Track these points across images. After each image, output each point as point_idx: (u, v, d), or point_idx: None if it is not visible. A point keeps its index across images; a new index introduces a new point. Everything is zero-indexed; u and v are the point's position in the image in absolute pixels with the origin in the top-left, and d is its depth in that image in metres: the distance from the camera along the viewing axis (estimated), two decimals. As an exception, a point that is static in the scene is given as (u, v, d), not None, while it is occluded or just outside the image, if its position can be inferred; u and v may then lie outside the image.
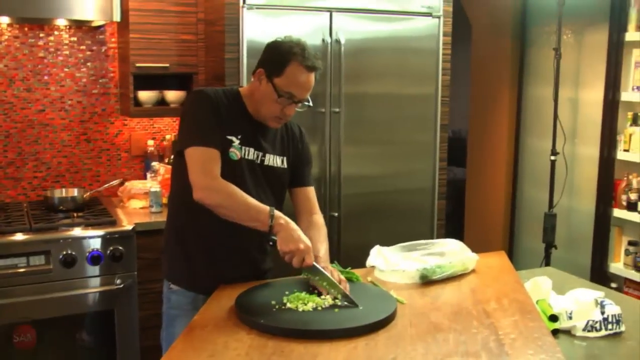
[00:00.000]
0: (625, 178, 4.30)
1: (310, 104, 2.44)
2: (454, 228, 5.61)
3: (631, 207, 4.24)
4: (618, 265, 4.40)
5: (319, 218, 2.60)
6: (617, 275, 4.39)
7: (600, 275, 4.37)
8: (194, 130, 2.36)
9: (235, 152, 2.39)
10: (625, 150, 4.26)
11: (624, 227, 4.39)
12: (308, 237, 2.44)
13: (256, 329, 1.95)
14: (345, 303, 2.14)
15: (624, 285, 4.35)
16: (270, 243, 2.27)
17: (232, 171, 2.37)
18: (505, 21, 5.24)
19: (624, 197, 4.29)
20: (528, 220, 5.18)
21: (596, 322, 2.19)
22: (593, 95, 4.50)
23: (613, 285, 4.25)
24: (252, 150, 2.44)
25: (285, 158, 2.55)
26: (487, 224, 5.55)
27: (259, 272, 2.47)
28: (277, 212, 2.25)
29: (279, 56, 2.36)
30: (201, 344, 1.86)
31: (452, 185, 6.54)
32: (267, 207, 2.26)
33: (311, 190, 2.64)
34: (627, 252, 4.32)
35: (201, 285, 2.42)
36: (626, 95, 4.25)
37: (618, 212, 4.34)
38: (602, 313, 2.21)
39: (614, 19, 4.28)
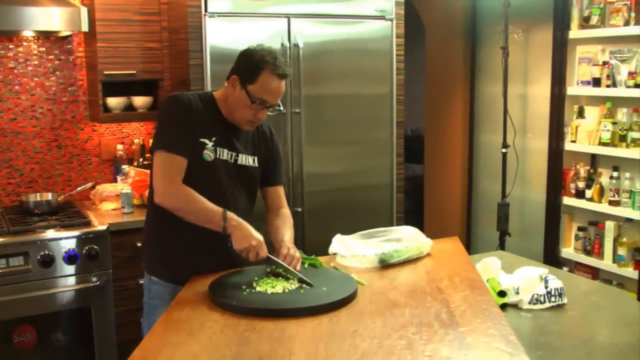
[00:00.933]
0: (573, 167, 4.54)
1: (282, 108, 2.63)
2: (414, 222, 5.79)
3: (579, 194, 4.49)
4: (569, 250, 4.65)
5: (285, 210, 2.77)
6: (569, 260, 4.64)
7: (552, 259, 4.59)
8: (163, 136, 2.49)
9: (209, 154, 2.52)
10: (572, 142, 4.50)
11: (574, 213, 4.63)
12: (274, 225, 2.66)
13: (229, 310, 2.11)
14: (304, 285, 2.32)
15: (575, 268, 4.58)
16: (229, 244, 2.42)
17: (207, 171, 2.52)
18: (457, 23, 5.45)
19: (572, 185, 4.54)
20: (483, 211, 5.40)
21: (540, 295, 2.39)
22: (541, 91, 4.73)
23: (565, 269, 4.48)
24: (226, 151, 2.57)
25: (256, 157, 2.68)
26: (446, 217, 5.75)
27: (234, 263, 2.57)
28: (229, 214, 2.40)
29: (252, 65, 2.48)
30: (179, 325, 2.02)
31: (412, 182, 6.73)
32: (220, 210, 2.40)
33: (281, 189, 2.81)
34: (577, 237, 4.56)
35: (180, 277, 2.50)
36: (571, 90, 4.49)
37: (567, 200, 4.59)
38: (546, 287, 2.41)
39: (558, 18, 4.52)
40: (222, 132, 2.57)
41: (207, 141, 2.52)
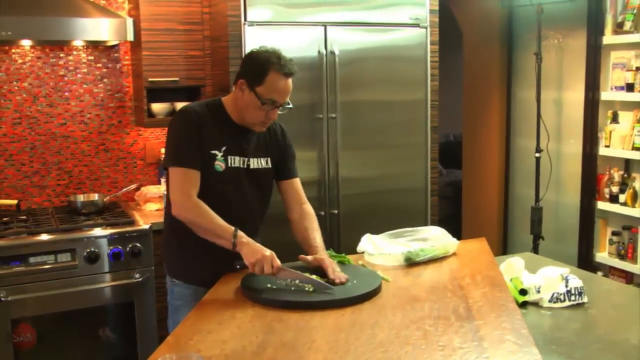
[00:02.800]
0: (607, 172, 4.56)
1: (291, 105, 2.63)
2: (453, 227, 5.85)
3: (613, 199, 4.51)
4: (603, 255, 4.66)
5: (308, 207, 2.81)
6: (603, 264, 4.66)
7: (587, 264, 4.62)
8: (175, 151, 2.58)
9: (220, 164, 2.59)
10: (606, 146, 4.52)
11: (608, 218, 4.64)
12: (302, 227, 2.72)
13: (259, 302, 2.25)
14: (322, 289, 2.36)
15: (609, 273, 4.59)
16: (238, 267, 2.52)
17: (220, 181, 2.60)
18: (494, 28, 5.49)
19: (606, 190, 4.56)
20: (519, 215, 5.43)
21: (560, 294, 2.47)
22: (575, 96, 4.77)
23: (599, 273, 4.51)
24: (237, 158, 2.64)
25: (269, 158, 2.74)
26: (483, 221, 5.79)
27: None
28: (239, 232, 2.45)
29: (258, 67, 2.53)
30: (211, 315, 2.16)
31: (453, 187, 6.78)
32: (231, 228, 2.45)
33: (297, 181, 2.83)
34: (611, 242, 4.58)
35: (200, 279, 2.61)
36: (605, 95, 4.52)
37: (602, 205, 4.61)
38: (567, 286, 2.48)
39: (592, 24, 4.56)
40: (231, 140, 2.62)
41: (217, 152, 2.59)
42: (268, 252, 2.42)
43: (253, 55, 2.61)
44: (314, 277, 2.40)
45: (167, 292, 2.80)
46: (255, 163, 2.69)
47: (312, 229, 2.72)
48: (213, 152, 2.59)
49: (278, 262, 2.42)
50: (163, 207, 3.78)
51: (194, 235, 2.54)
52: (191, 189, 2.52)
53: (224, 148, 2.60)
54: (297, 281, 2.40)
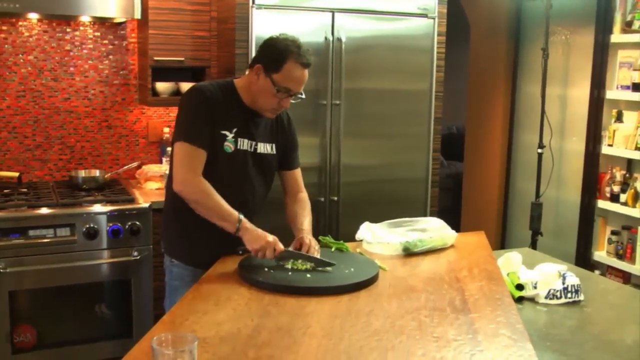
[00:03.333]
0: (609, 171, 4.56)
1: (304, 96, 2.64)
2: (452, 219, 5.87)
3: (614, 198, 4.51)
4: (601, 254, 4.66)
5: (303, 195, 2.84)
6: (601, 263, 4.66)
7: (584, 262, 4.62)
8: (185, 127, 2.56)
9: (230, 145, 2.60)
10: (609, 145, 4.52)
11: (608, 217, 4.65)
12: (293, 211, 2.76)
13: (255, 285, 2.26)
14: (327, 268, 2.42)
15: (607, 272, 4.60)
16: (240, 252, 2.54)
17: (228, 162, 2.60)
18: (502, 22, 5.48)
19: (607, 189, 4.56)
20: (519, 210, 5.43)
21: (557, 290, 2.47)
22: (580, 93, 4.76)
23: (597, 272, 4.51)
24: (246, 140, 2.64)
25: (274, 145, 2.75)
26: (482, 214, 5.80)
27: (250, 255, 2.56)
28: (244, 218, 2.47)
29: (276, 54, 2.53)
30: (208, 296, 2.17)
31: (453, 179, 6.79)
32: (236, 213, 2.47)
33: (298, 172, 2.87)
34: (609, 241, 4.59)
35: (199, 260, 2.60)
36: (611, 94, 4.51)
37: (602, 204, 4.61)
38: (563, 283, 2.49)
39: (600, 21, 4.54)
40: (242, 122, 2.63)
41: (227, 133, 2.59)
42: (271, 237, 2.45)
43: (272, 41, 2.60)
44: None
45: (165, 271, 2.80)
46: (262, 148, 2.70)
47: (302, 215, 2.74)
48: (223, 132, 2.59)
49: (281, 246, 2.45)
50: (164, 187, 3.81)
51: (196, 216, 2.54)
52: (197, 166, 2.52)
53: (234, 129, 2.61)
54: (299, 260, 2.44)
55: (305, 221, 2.72)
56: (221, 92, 2.61)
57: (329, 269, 2.42)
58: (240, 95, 2.65)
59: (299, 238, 2.59)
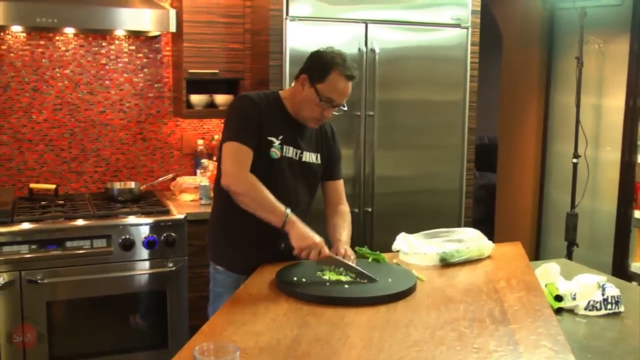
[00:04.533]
0: (646, 181, 4.51)
1: (346, 108, 2.69)
2: (486, 230, 5.82)
3: (651, 208, 4.46)
4: (639, 265, 4.59)
5: (344, 207, 2.87)
6: (638, 274, 4.57)
7: (621, 273, 4.54)
8: (233, 129, 2.62)
9: (276, 152, 2.64)
10: (645, 155, 4.47)
11: (644, 228, 4.59)
12: (332, 223, 2.77)
13: (293, 296, 2.26)
14: (365, 280, 2.42)
15: (644, 283, 4.54)
16: (282, 246, 2.55)
17: (273, 168, 2.64)
18: (534, 31, 5.43)
19: (644, 199, 4.51)
20: (554, 221, 5.37)
21: (597, 302, 2.43)
22: (615, 102, 4.70)
23: (634, 283, 4.44)
24: (291, 148, 2.69)
25: (319, 155, 2.79)
26: (516, 225, 5.74)
27: (294, 257, 2.58)
28: (291, 213, 2.49)
29: (322, 65, 2.60)
30: (246, 306, 2.17)
31: (486, 190, 6.74)
32: (283, 207, 2.50)
33: (340, 183, 2.90)
34: (647, 252, 4.53)
35: (243, 267, 2.62)
36: (646, 103, 4.47)
37: (639, 214, 4.54)
38: (603, 294, 2.45)
39: (635, 29, 4.49)
40: (288, 130, 2.68)
41: (274, 139, 2.63)
42: (318, 239, 2.46)
43: (319, 53, 2.66)
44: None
45: (210, 278, 2.84)
46: (307, 157, 2.74)
47: (342, 227, 2.76)
48: (270, 138, 2.63)
49: (326, 250, 2.47)
50: (199, 198, 3.85)
51: (240, 222, 2.61)
52: (245, 162, 2.56)
53: (281, 136, 2.65)
54: (340, 269, 2.45)
55: (344, 233, 2.73)
56: (267, 101, 2.68)
57: (370, 282, 2.41)
58: (286, 105, 2.70)
59: (334, 248, 2.60)
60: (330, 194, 2.88)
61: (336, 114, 2.70)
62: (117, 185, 4.04)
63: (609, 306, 2.44)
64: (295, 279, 2.39)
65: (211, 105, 4.13)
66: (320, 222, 2.81)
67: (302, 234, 2.47)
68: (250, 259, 2.64)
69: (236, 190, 2.56)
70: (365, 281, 2.41)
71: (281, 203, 2.54)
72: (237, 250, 2.73)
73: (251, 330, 1.97)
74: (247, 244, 2.69)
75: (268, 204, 2.52)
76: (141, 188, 3.99)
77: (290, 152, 2.69)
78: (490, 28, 4.96)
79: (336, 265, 2.48)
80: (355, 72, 2.63)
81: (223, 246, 2.79)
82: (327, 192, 2.89)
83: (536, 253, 5.51)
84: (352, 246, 2.69)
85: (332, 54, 2.62)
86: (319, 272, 2.46)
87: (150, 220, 3.56)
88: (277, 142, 2.65)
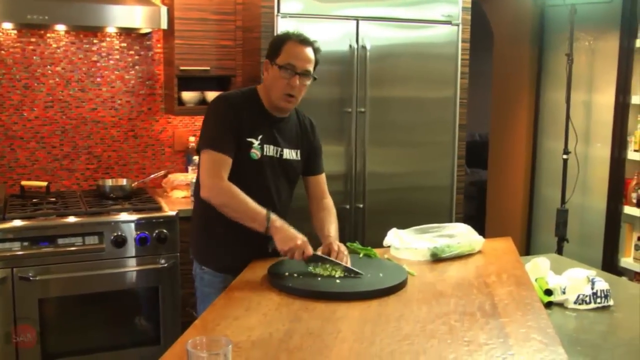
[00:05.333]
0: (635, 177, 4.52)
1: (315, 76, 2.67)
2: (476, 226, 5.84)
3: (641, 204, 4.48)
4: (628, 260, 4.62)
5: (328, 201, 2.87)
6: (628, 269, 4.61)
7: (611, 268, 4.55)
8: (210, 136, 2.61)
9: (256, 152, 2.63)
10: (635, 151, 4.48)
11: (634, 223, 4.61)
12: (319, 217, 2.78)
13: (285, 291, 2.27)
14: (352, 275, 2.43)
15: (634, 278, 4.55)
16: (270, 250, 2.55)
17: (254, 168, 2.64)
18: (525, 28, 5.46)
19: (634, 195, 4.52)
20: (544, 216, 5.40)
21: (586, 296, 2.45)
22: (605, 99, 4.73)
23: (624, 278, 4.46)
24: (272, 147, 2.68)
25: (299, 151, 2.78)
26: (507, 221, 5.77)
27: (279, 254, 2.56)
28: (273, 216, 2.49)
29: (276, 42, 2.66)
30: (238, 301, 2.18)
31: (477, 187, 6.77)
32: (264, 210, 2.49)
33: (322, 177, 2.90)
34: (636, 247, 4.54)
35: (229, 267, 2.61)
36: (636, 99, 4.48)
37: (628, 209, 4.57)
38: (592, 288, 2.47)
39: (625, 26, 4.52)
40: (266, 129, 2.67)
41: (253, 140, 2.63)
42: (300, 240, 2.46)
43: (274, 37, 2.78)
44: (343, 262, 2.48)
45: (196, 279, 2.82)
46: (287, 154, 2.73)
47: (329, 221, 2.76)
48: (249, 140, 2.63)
49: (310, 249, 2.47)
50: (190, 195, 3.85)
51: (224, 223, 2.57)
52: (223, 172, 2.55)
53: (260, 136, 2.64)
54: (327, 265, 2.45)
55: (332, 228, 2.74)
56: (245, 100, 2.67)
57: (357, 277, 2.42)
58: (262, 99, 2.70)
59: (327, 244, 2.60)
60: (314, 188, 2.88)
61: (308, 83, 2.66)
62: (109, 183, 4.04)
63: (599, 300, 2.46)
64: (287, 273, 2.40)
65: (203, 102, 4.13)
66: (305, 220, 2.80)
67: (286, 236, 2.47)
68: (237, 259, 2.62)
69: (216, 202, 2.56)
70: (353, 275, 2.42)
71: (264, 202, 2.55)
72: (222, 252, 2.72)
73: (243, 324, 1.98)
74: (232, 245, 2.68)
75: (249, 211, 2.51)
76: (133, 185, 3.99)
77: (270, 150, 2.67)
78: (481, 25, 4.98)
79: (322, 262, 2.48)
80: (310, 39, 2.64)
81: (208, 247, 2.78)
82: (310, 186, 2.88)
83: (527, 249, 5.54)
84: (344, 241, 2.69)
85: (284, 32, 2.69)
86: (310, 267, 2.47)
87: (142, 217, 3.56)
88: (256, 143, 2.63)
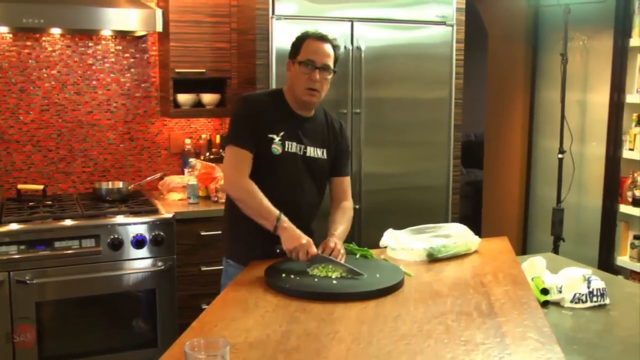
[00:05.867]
0: (630, 175, 4.52)
1: (335, 69, 2.73)
2: (473, 226, 5.84)
3: (636, 203, 4.46)
4: (624, 259, 4.62)
5: (346, 204, 2.91)
6: (624, 268, 4.62)
7: (607, 267, 4.57)
8: (232, 132, 2.73)
9: (277, 148, 2.69)
10: (630, 150, 4.48)
11: (630, 222, 4.61)
12: (331, 218, 2.81)
13: (282, 292, 2.27)
14: (352, 275, 2.44)
15: (629, 277, 4.55)
16: (277, 250, 2.57)
17: (276, 164, 2.70)
18: (519, 28, 5.47)
19: (629, 193, 4.52)
20: (540, 216, 5.41)
21: (582, 294, 2.45)
22: (600, 98, 4.74)
23: (620, 277, 4.47)
24: (294, 144, 2.73)
25: (325, 150, 2.82)
26: (503, 220, 5.77)
27: (286, 255, 2.59)
28: (283, 217, 2.57)
29: (295, 42, 2.73)
30: (235, 303, 2.19)
31: (473, 186, 6.78)
32: (276, 212, 2.57)
33: (346, 180, 2.94)
34: (632, 246, 4.54)
35: (249, 260, 2.67)
36: (631, 98, 4.48)
37: (624, 208, 4.57)
38: (589, 287, 2.48)
39: (619, 25, 4.52)
40: (290, 127, 2.73)
41: (274, 136, 2.69)
42: (304, 240, 2.51)
43: (294, 39, 2.78)
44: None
45: (222, 272, 2.88)
46: (312, 152, 2.78)
47: (339, 222, 2.79)
48: (270, 135, 2.69)
49: (314, 249, 2.51)
50: (186, 197, 3.88)
51: (244, 216, 2.65)
52: (243, 167, 2.65)
53: (282, 133, 2.71)
54: (330, 266, 2.48)
55: (340, 228, 2.77)
56: (270, 99, 2.77)
57: (357, 277, 2.43)
58: (288, 100, 2.76)
59: (325, 241, 2.63)
60: (336, 190, 2.92)
61: (329, 77, 2.71)
62: (105, 185, 4.05)
63: (595, 298, 2.46)
64: (284, 275, 2.41)
65: (198, 104, 4.13)
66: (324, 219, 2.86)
67: (291, 235, 2.54)
68: (257, 252, 2.68)
69: (233, 196, 2.68)
70: (351, 276, 2.43)
71: (287, 198, 2.65)
72: (244, 244, 2.78)
73: (241, 326, 1.98)
74: (253, 238, 2.72)
75: (262, 210, 2.60)
76: (129, 188, 4.00)
77: (293, 147, 2.73)
78: (475, 25, 4.99)
79: (324, 263, 2.50)
80: (328, 36, 2.71)
81: (232, 240, 2.86)
82: (333, 188, 2.93)
83: (523, 248, 5.55)
84: (341, 242, 2.70)
85: (303, 32, 2.74)
86: (307, 269, 2.47)
87: (138, 219, 3.56)
88: (277, 139, 2.69)
